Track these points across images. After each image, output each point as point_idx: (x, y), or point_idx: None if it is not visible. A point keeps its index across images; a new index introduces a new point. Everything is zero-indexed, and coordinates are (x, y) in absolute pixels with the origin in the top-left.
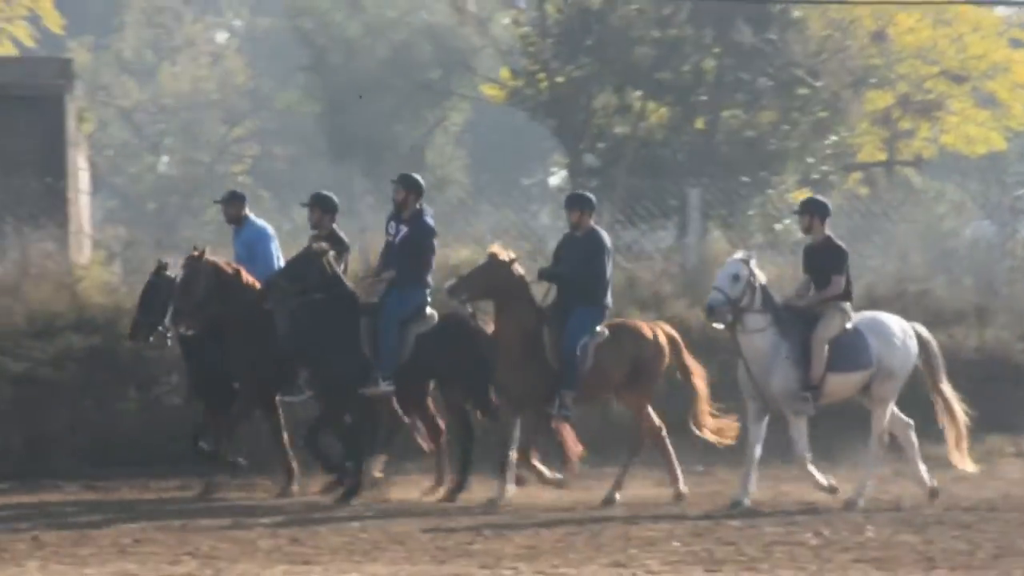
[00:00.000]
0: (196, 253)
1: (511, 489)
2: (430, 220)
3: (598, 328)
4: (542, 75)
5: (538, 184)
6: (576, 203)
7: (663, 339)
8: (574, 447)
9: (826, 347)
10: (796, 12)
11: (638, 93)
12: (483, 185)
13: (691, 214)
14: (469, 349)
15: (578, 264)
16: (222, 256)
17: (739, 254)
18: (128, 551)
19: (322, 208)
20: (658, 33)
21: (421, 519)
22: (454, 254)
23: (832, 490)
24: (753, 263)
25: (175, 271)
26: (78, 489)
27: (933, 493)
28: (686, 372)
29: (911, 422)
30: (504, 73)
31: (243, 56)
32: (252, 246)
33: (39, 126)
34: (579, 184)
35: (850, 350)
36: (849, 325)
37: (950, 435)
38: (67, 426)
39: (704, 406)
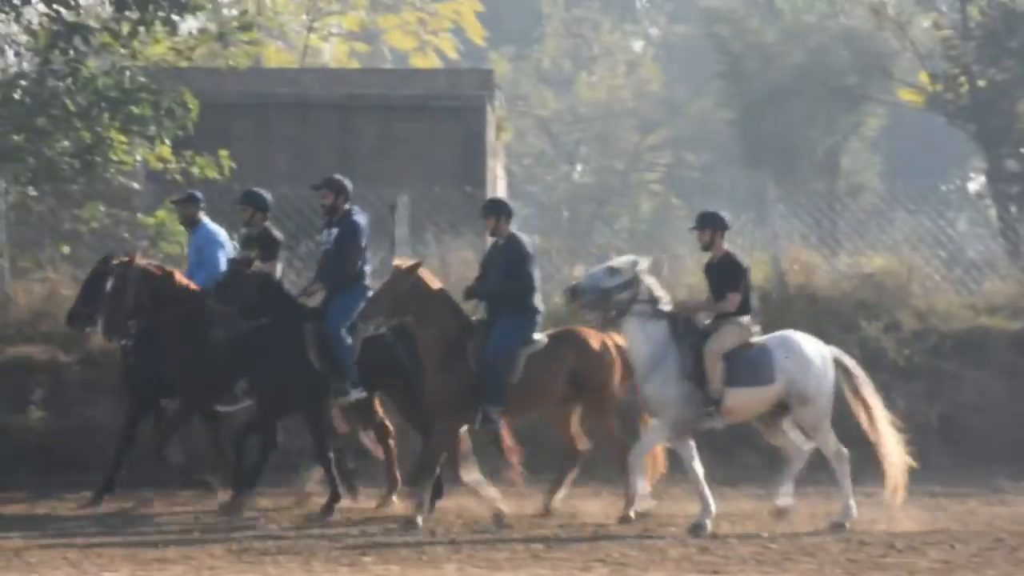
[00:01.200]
0: (126, 259)
1: (493, 497)
2: (359, 219)
3: (535, 336)
4: (963, 79)
5: (956, 190)
6: (491, 210)
7: (613, 349)
8: (513, 457)
9: (719, 360)
10: None
11: None
12: (898, 191)
13: None
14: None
15: (501, 273)
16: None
17: (628, 257)
18: (541, 556)
19: (254, 206)
20: None
21: (831, 533)
22: (868, 262)
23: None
24: (642, 268)
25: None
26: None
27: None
28: None
29: (844, 450)
30: (923, 77)
31: (658, 64)
32: (201, 250)
33: (460, 136)
34: (999, 191)
35: (752, 365)
36: (754, 340)
37: (884, 457)
38: None
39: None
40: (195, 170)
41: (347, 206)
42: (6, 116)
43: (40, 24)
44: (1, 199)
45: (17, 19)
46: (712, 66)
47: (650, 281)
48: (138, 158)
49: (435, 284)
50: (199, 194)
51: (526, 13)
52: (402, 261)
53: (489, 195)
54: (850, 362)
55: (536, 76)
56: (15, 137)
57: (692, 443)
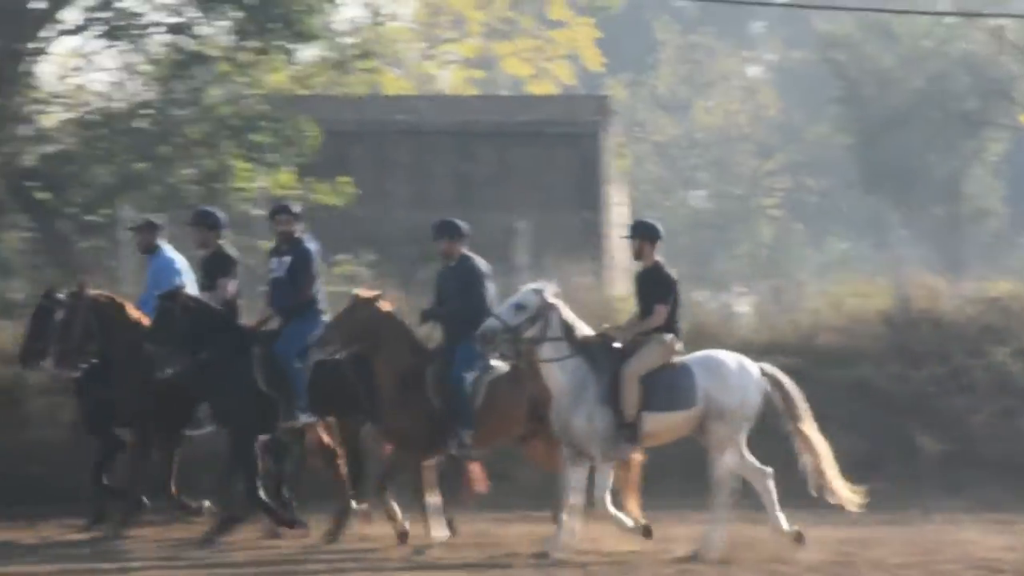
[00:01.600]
0: (75, 290)
1: (439, 533)
2: (311, 246)
3: (494, 364)
4: None
5: None
6: (444, 231)
7: None
8: (478, 482)
9: (636, 383)
10: None
11: None
12: (1021, 216)
13: None
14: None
15: (455, 297)
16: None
17: (533, 284)
18: None
19: (206, 225)
20: None
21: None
22: (993, 287)
23: (646, 531)
24: (549, 293)
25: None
26: None
27: (797, 538)
28: None
29: (769, 470)
30: None
31: (775, 89)
32: (157, 277)
33: (576, 162)
34: None
35: (672, 387)
36: (676, 360)
37: (823, 473)
38: None
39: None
40: (316, 197)
41: (298, 233)
42: (130, 145)
43: (162, 53)
44: (120, 228)
45: (140, 49)
46: (829, 91)
47: (560, 309)
48: (260, 185)
49: (393, 314)
50: (157, 220)
51: (642, 40)
52: (362, 291)
53: (605, 222)
54: (779, 375)
55: (652, 102)
56: (138, 165)
57: (582, 474)
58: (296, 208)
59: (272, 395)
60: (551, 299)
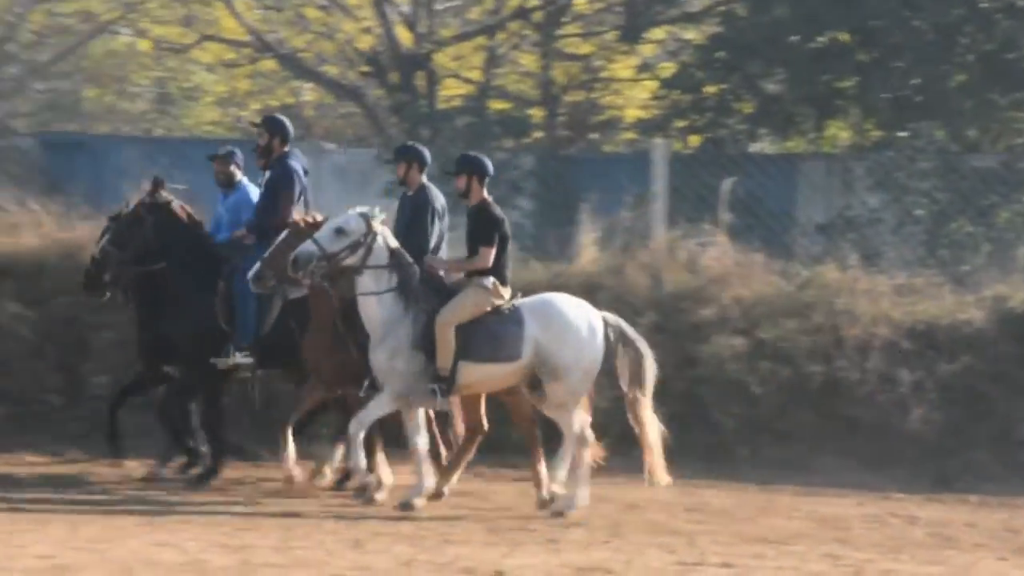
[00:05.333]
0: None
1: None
2: (296, 164)
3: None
4: None
5: None
6: (402, 155)
7: None
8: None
9: (450, 331)
10: None
11: None
12: None
13: None
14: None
15: (405, 227)
16: None
17: (360, 208)
18: None
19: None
20: None
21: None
22: None
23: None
24: (378, 221)
25: None
26: None
27: (545, 505)
28: None
29: (588, 437)
30: None
31: None
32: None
33: None
34: None
35: (496, 336)
36: (504, 305)
37: (645, 450)
38: None
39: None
40: None
41: (286, 148)
42: None
43: None
44: None
45: None
46: None
47: (387, 237)
48: None
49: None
50: (237, 150)
51: None
52: (300, 217)
53: None
54: (630, 331)
55: None
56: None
57: (421, 417)
58: (281, 120)
59: (228, 329)
60: (377, 225)
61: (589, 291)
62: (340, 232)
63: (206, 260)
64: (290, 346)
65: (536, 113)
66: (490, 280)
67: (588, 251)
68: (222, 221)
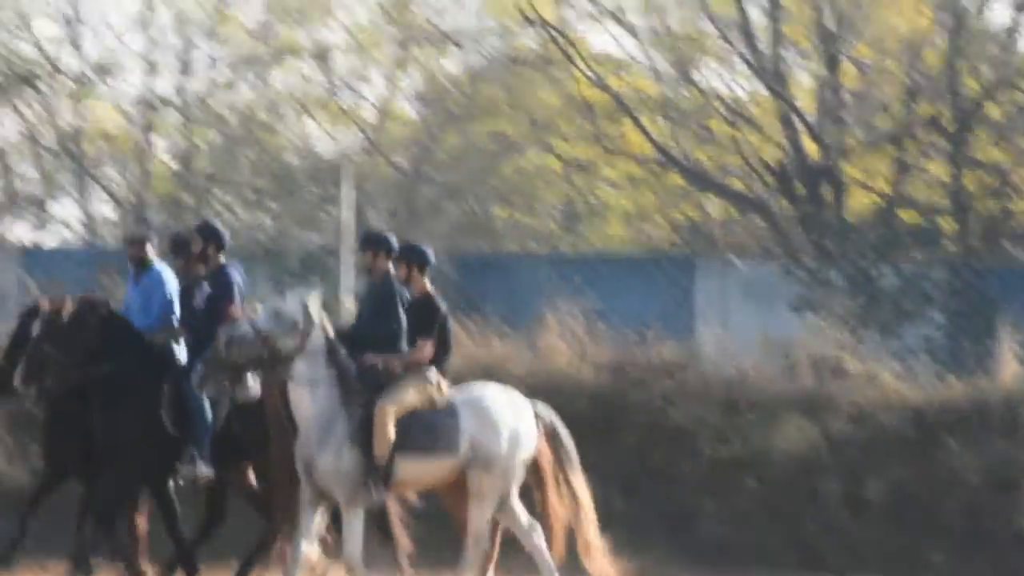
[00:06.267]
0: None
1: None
2: (235, 274)
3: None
4: None
5: None
6: (369, 243)
7: None
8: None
9: (389, 422)
10: None
11: None
12: None
13: None
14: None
15: (372, 318)
16: None
17: (299, 293)
18: None
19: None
20: None
21: None
22: None
23: None
24: (315, 308)
25: None
26: None
27: None
28: None
29: (538, 526)
30: None
31: None
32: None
33: None
34: None
35: (432, 429)
36: (441, 398)
37: (583, 532)
38: None
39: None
40: None
41: (221, 257)
42: None
43: None
44: None
45: None
46: None
47: (324, 326)
48: None
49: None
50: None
51: None
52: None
53: None
54: (554, 418)
55: None
56: None
57: (316, 521)
58: (214, 228)
59: (177, 436)
60: (315, 312)
61: (1010, 407)
62: (277, 315)
63: (151, 362)
64: (237, 450)
65: (947, 223)
66: (431, 372)
67: (1010, 366)
68: (132, 304)
